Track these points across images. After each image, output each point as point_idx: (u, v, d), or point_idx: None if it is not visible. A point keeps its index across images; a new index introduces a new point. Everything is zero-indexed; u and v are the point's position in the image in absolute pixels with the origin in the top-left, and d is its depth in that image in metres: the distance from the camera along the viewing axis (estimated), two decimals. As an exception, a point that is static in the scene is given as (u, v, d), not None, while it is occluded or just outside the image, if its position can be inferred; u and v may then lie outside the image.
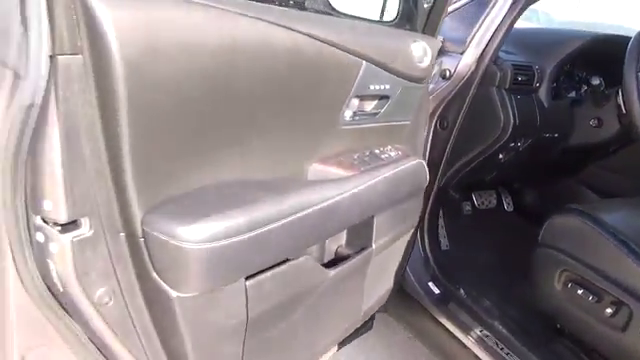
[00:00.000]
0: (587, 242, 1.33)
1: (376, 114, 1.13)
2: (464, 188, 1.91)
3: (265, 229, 0.81)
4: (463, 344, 1.47)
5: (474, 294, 1.58)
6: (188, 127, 0.74)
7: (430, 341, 1.60)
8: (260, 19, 0.78)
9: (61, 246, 0.69)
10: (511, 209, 2.11)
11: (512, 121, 1.47)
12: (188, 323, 0.80)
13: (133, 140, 0.67)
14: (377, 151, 1.17)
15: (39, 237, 0.70)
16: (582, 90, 1.75)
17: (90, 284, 0.73)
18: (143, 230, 0.73)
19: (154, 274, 0.76)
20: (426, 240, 1.66)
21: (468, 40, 1.42)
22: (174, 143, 0.73)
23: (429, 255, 1.67)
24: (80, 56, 0.61)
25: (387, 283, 1.41)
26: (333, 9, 1.10)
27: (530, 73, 1.53)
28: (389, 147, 1.22)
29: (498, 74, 1.47)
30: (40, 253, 0.72)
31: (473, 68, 1.43)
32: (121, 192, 0.70)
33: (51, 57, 0.60)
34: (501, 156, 1.59)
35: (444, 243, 1.81)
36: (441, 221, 1.80)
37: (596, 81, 1.58)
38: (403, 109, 1.21)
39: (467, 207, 1.97)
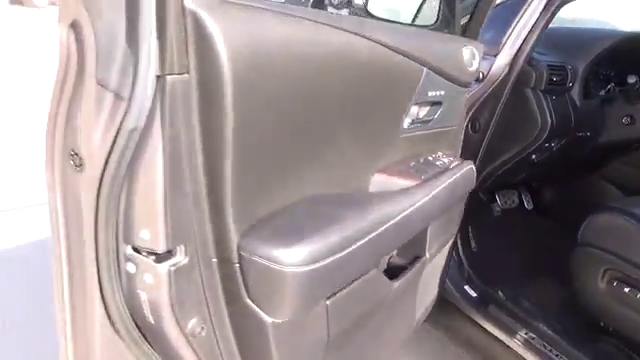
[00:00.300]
0: (632, 240, 1.33)
1: (429, 121, 1.11)
2: (490, 189, 1.91)
3: (354, 247, 0.78)
4: (508, 347, 1.46)
5: (513, 295, 1.57)
6: (283, 143, 0.71)
7: (472, 345, 1.58)
8: (343, 29, 0.75)
9: (157, 276, 0.65)
10: (531, 207, 2.12)
11: (549, 122, 1.46)
12: (280, 348, 0.76)
13: (235, 160, 0.64)
14: (430, 158, 1.15)
15: (130, 268, 0.66)
16: (610, 88, 1.76)
17: (184, 314, 0.69)
18: (239, 255, 0.69)
19: (247, 300, 0.72)
20: (459, 243, 1.65)
21: (502, 42, 1.41)
22: (270, 161, 0.70)
23: (462, 258, 1.65)
24: (187, 75, 0.58)
25: (433, 291, 1.39)
26: (369, 13, 1.08)
27: (564, 73, 1.53)
28: (439, 153, 1.20)
29: (534, 75, 1.47)
30: (129, 284, 0.67)
31: (507, 70, 1.43)
32: (218, 216, 0.67)
33: (158, 77, 0.56)
34: (534, 157, 1.59)
35: (472, 245, 1.80)
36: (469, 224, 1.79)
37: (632, 79, 1.59)
38: (451, 114, 1.20)
39: (497, 208, 1.97)
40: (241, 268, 0.70)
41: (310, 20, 0.69)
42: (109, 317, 0.69)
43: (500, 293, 1.58)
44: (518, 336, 1.44)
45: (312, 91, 0.73)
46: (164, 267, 0.65)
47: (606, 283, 1.38)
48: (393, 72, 0.91)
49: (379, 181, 1.00)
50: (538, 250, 1.84)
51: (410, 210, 0.93)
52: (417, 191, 0.98)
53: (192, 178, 0.64)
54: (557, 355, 1.38)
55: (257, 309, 0.72)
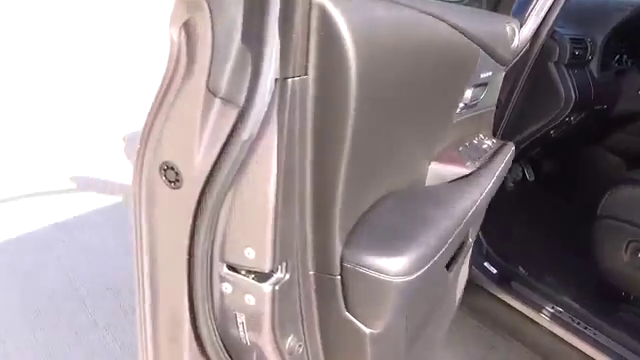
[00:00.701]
0: (656, 212, 1.35)
1: (476, 103, 1.07)
2: None
3: (445, 248, 0.74)
4: (534, 322, 1.47)
5: (533, 270, 1.58)
6: (383, 137, 0.66)
7: (497, 322, 1.59)
8: (434, 16, 0.69)
9: (259, 296, 0.59)
10: (532, 179, 2.13)
11: (573, 97, 1.44)
12: (374, 357, 0.72)
13: (348, 160, 0.58)
14: (475, 141, 1.12)
15: (225, 288, 0.60)
16: (622, 59, 1.76)
17: (282, 333, 0.64)
18: (342, 266, 0.64)
19: (345, 312, 0.67)
20: None
21: (526, 14, 1.37)
22: (371, 158, 0.65)
23: (480, 235, 1.64)
24: (307, 77, 0.51)
25: (466, 273, 1.38)
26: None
27: (584, 46, 1.51)
28: (481, 136, 1.17)
29: (557, 49, 1.44)
30: (223, 306, 0.61)
31: (529, 44, 1.39)
32: (324, 228, 0.61)
33: (276, 80, 0.49)
34: (552, 132, 1.58)
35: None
36: None
37: None
38: (492, 94, 1.16)
39: (510, 183, 1.97)
40: (342, 280, 0.65)
41: (408, 6, 0.63)
42: (199, 341, 0.63)
43: (521, 268, 1.58)
44: (545, 310, 1.45)
45: (409, 80, 0.68)
46: (268, 286, 0.59)
47: (630, 255, 1.41)
48: (458, 55, 0.86)
49: (436, 170, 0.95)
50: (548, 222, 1.86)
51: (480, 200, 0.90)
52: (480, 181, 0.94)
53: (300, 187, 0.57)
54: (585, 328, 1.40)
55: (355, 320, 0.68)
